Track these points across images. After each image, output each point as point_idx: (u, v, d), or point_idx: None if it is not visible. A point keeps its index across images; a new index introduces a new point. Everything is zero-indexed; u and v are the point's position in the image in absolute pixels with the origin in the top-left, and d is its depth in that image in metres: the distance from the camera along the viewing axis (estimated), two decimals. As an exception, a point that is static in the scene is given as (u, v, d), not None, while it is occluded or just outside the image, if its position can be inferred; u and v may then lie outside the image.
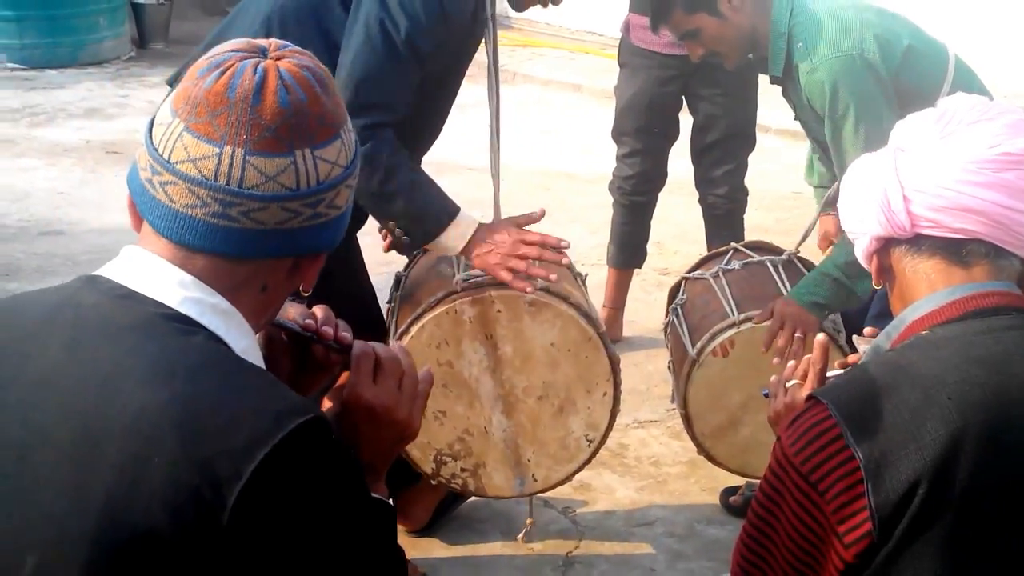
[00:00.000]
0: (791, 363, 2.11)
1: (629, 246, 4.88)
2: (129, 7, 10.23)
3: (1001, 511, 1.56)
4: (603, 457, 4.09)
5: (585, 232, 5.79)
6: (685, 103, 4.69)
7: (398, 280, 3.46)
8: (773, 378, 2.13)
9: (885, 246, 1.79)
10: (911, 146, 1.74)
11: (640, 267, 5.01)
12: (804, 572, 1.63)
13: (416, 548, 3.54)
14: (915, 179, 1.70)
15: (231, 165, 1.38)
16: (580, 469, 3.29)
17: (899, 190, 1.71)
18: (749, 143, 4.69)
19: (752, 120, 4.68)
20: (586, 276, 3.57)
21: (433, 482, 3.27)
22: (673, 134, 4.76)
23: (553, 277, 3.00)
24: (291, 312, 1.63)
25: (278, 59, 1.43)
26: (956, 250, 1.72)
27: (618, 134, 4.80)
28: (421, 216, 2.97)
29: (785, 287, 3.41)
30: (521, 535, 3.60)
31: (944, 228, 1.70)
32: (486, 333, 3.07)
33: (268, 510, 1.31)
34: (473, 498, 3.71)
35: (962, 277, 1.71)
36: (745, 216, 4.77)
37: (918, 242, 1.74)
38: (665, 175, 4.82)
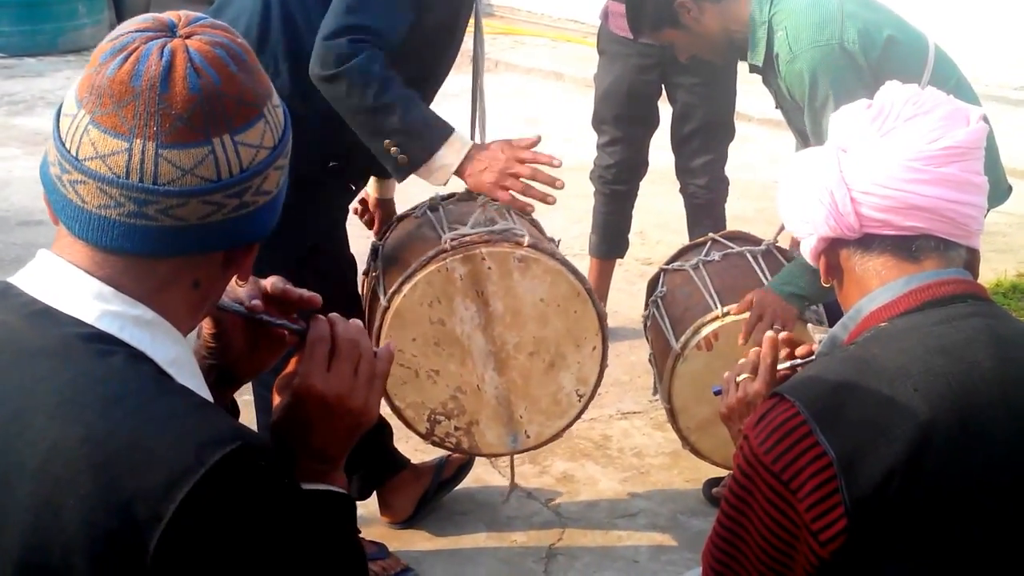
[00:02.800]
0: (741, 360, 2.10)
1: (611, 236, 4.87)
2: (109, -6, 10.18)
3: (975, 499, 1.57)
4: (586, 448, 4.10)
5: (567, 222, 5.77)
6: (664, 92, 4.68)
7: (375, 249, 3.44)
8: (726, 374, 2.12)
9: (832, 245, 1.79)
10: (852, 146, 1.74)
11: (622, 257, 5.00)
12: (778, 570, 1.62)
13: (399, 540, 3.53)
14: (861, 181, 1.71)
15: (143, 160, 1.28)
16: (571, 424, 3.29)
17: (846, 193, 1.71)
18: (729, 132, 4.68)
19: (731, 109, 4.66)
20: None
21: (427, 442, 3.26)
22: (652, 122, 4.75)
23: (551, 200, 3.00)
24: (239, 291, 1.54)
25: (187, 36, 1.32)
26: (906, 246, 1.73)
27: (598, 122, 4.79)
28: (420, 130, 2.94)
29: (766, 278, 3.41)
30: (504, 498, 3.59)
31: (893, 227, 1.71)
32: (477, 290, 3.06)
33: (193, 551, 1.22)
34: (456, 489, 3.71)
35: (914, 271, 1.72)
36: (727, 205, 4.77)
37: (867, 241, 1.75)
38: (646, 163, 4.81)
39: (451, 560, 3.50)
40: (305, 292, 1.57)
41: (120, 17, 10.24)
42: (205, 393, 1.41)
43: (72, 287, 1.33)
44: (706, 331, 3.32)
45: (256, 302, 1.53)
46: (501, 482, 3.75)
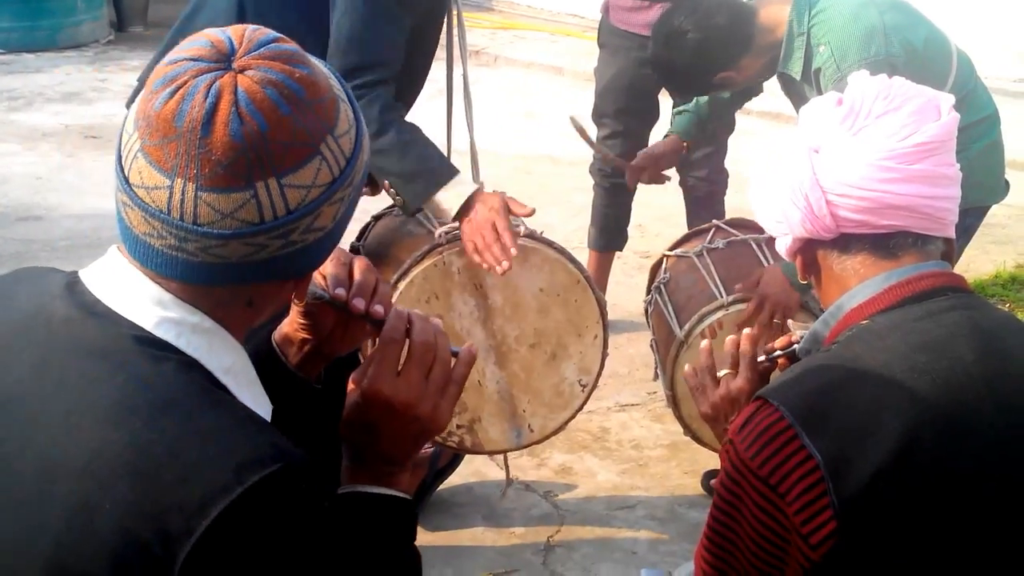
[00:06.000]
0: (701, 349, 2.10)
1: (610, 229, 4.87)
2: (107, -10, 10.16)
3: (965, 495, 1.57)
4: (584, 441, 4.10)
5: (567, 215, 5.77)
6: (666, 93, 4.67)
7: (354, 251, 3.38)
8: (687, 368, 2.11)
9: (808, 244, 1.79)
10: (825, 146, 1.73)
11: (621, 250, 5.00)
12: (770, 573, 1.62)
13: None
14: (835, 182, 1.69)
15: (183, 200, 1.25)
16: (574, 416, 3.27)
17: (821, 195, 1.70)
18: (728, 125, 4.67)
19: (731, 102, 4.66)
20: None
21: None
22: (653, 116, 4.75)
23: (504, 266, 2.89)
24: (325, 270, 1.52)
25: (241, 70, 1.26)
26: (883, 244, 1.72)
27: (598, 116, 4.78)
28: (415, 175, 2.94)
29: (770, 264, 3.39)
30: (500, 495, 3.58)
31: (870, 227, 1.71)
32: (475, 283, 3.04)
33: (220, 570, 1.21)
34: (454, 484, 3.71)
35: (892, 267, 1.72)
36: (726, 198, 4.76)
37: (844, 241, 1.74)
38: (646, 157, 4.80)
39: (450, 553, 3.50)
40: (382, 286, 1.54)
41: (119, 13, 10.24)
42: (262, 400, 1.41)
43: (133, 291, 1.32)
44: (711, 320, 3.31)
45: (339, 291, 1.52)
46: (499, 475, 3.75)
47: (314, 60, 1.34)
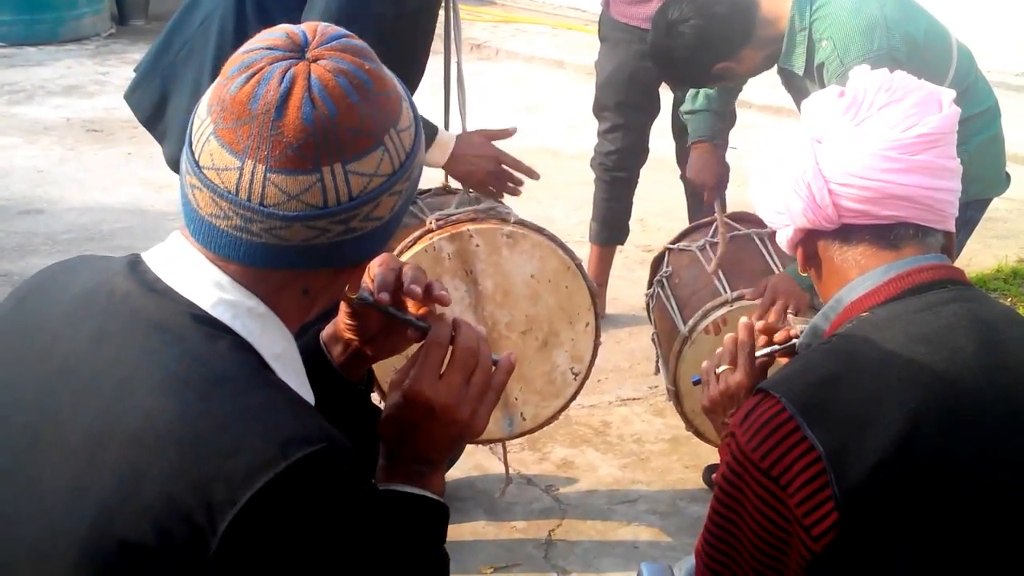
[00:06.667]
0: (719, 350, 2.09)
1: (612, 223, 4.87)
2: (109, -17, 10.16)
3: (965, 486, 1.57)
4: (585, 435, 4.10)
5: (568, 209, 5.78)
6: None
7: None
8: (704, 364, 2.11)
9: (809, 236, 1.79)
10: (827, 136, 1.73)
11: (623, 244, 5.00)
12: (772, 565, 1.62)
13: None
14: (838, 172, 1.70)
15: (252, 181, 1.30)
16: (567, 405, 3.25)
17: (823, 185, 1.71)
18: (730, 119, 4.66)
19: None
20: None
21: None
22: (654, 109, 4.75)
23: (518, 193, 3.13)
24: (372, 273, 1.55)
25: (315, 60, 1.32)
26: (884, 235, 1.72)
27: (599, 109, 4.79)
28: None
29: (774, 260, 3.39)
30: (499, 494, 3.58)
31: (871, 217, 1.71)
32: (466, 269, 3.03)
33: (260, 542, 1.24)
34: (455, 478, 3.71)
35: (892, 259, 1.72)
36: (727, 192, 4.75)
37: (845, 231, 1.74)
38: (647, 150, 4.81)
39: (451, 547, 3.44)
40: (436, 288, 1.56)
41: (120, 7, 10.24)
42: (307, 391, 1.44)
43: (193, 272, 1.36)
44: (715, 315, 3.30)
45: (383, 295, 1.54)
46: (500, 469, 3.75)
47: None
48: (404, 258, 2.98)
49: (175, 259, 1.38)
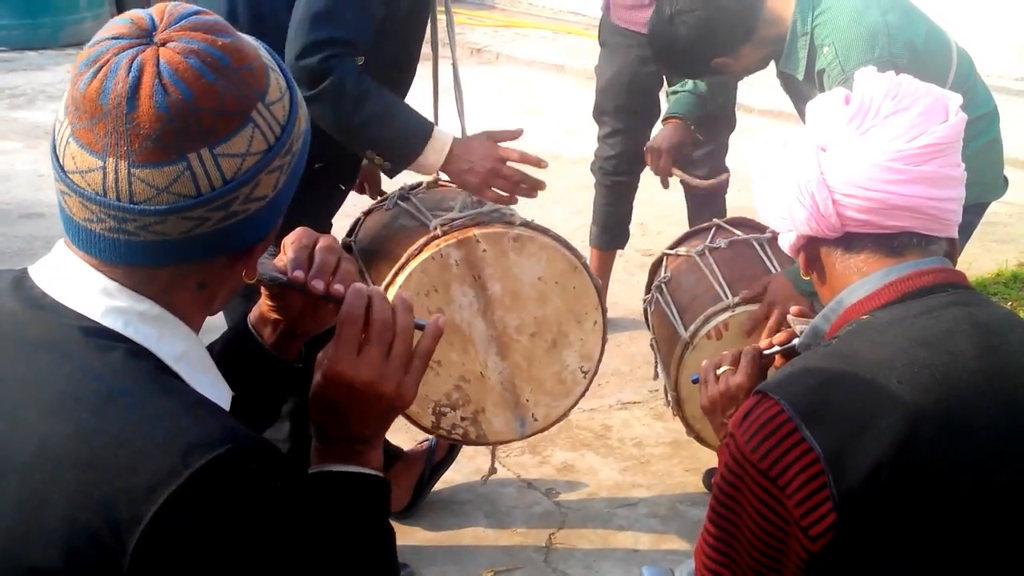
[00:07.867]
0: (725, 352, 2.09)
1: (612, 227, 4.87)
2: (109, -13, 10.17)
3: (964, 489, 1.57)
4: (586, 438, 4.10)
5: (569, 213, 5.78)
6: (666, 83, 4.68)
7: (347, 247, 3.36)
8: (704, 363, 2.12)
9: (812, 242, 1.79)
10: (832, 145, 1.73)
11: (623, 248, 5.01)
12: (770, 566, 1.62)
13: (399, 532, 3.44)
14: (842, 182, 1.70)
15: (117, 180, 1.24)
16: (576, 403, 3.24)
17: (828, 194, 1.71)
18: (729, 123, 4.67)
19: (732, 100, 4.66)
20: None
21: (433, 435, 3.23)
22: (654, 114, 4.74)
23: (534, 195, 3.06)
24: (286, 252, 1.52)
25: (163, 44, 1.25)
26: (887, 243, 1.73)
27: (599, 114, 4.79)
28: (399, 139, 2.95)
29: (773, 265, 3.39)
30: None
31: (875, 227, 1.71)
32: (474, 275, 3.01)
33: (173, 555, 1.19)
34: (456, 482, 3.71)
35: (893, 263, 1.72)
36: (727, 196, 4.77)
37: (848, 239, 1.74)
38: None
39: (451, 551, 3.51)
40: (345, 264, 1.53)
41: (121, 10, 10.23)
42: (220, 385, 1.40)
43: (79, 282, 1.31)
44: (716, 321, 3.29)
45: (297, 273, 1.51)
46: (502, 473, 3.76)
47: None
48: (411, 266, 2.97)
49: (60, 271, 1.33)
